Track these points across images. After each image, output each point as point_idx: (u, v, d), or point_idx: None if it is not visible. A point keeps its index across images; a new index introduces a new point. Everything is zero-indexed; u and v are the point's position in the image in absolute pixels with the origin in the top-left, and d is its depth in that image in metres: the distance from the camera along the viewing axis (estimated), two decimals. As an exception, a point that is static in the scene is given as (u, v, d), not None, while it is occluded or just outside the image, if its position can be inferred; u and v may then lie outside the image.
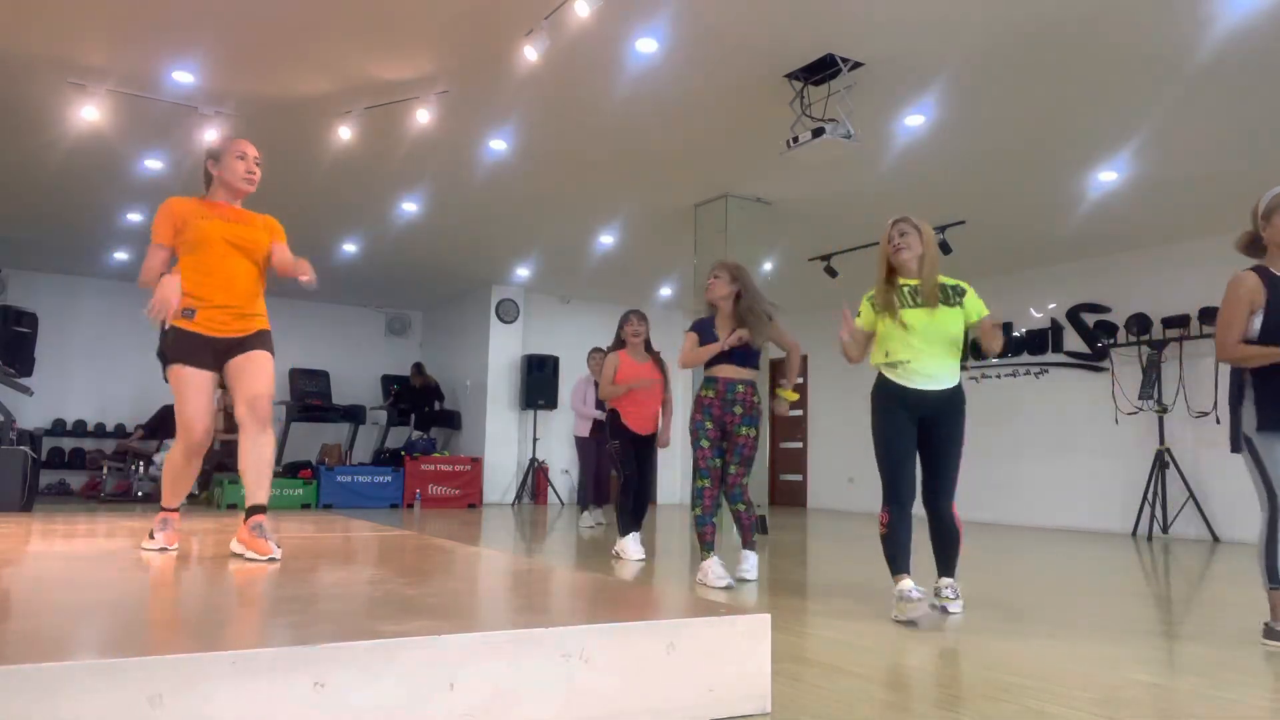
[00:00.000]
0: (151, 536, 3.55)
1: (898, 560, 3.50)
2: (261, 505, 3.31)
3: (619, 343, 5.78)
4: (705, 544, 4.35)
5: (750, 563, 4.50)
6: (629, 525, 5.50)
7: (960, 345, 3.62)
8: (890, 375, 3.62)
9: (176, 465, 3.51)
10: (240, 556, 3.26)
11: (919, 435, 3.61)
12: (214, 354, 3.39)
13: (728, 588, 4.18)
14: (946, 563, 3.70)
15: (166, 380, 3.44)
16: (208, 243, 3.39)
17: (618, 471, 5.72)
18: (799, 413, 4.41)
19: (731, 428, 4.37)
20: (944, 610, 3.64)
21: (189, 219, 3.40)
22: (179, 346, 3.36)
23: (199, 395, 3.36)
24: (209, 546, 3.72)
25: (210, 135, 6.32)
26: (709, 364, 4.43)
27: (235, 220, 3.49)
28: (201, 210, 3.45)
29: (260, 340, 3.48)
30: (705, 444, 4.37)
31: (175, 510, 3.61)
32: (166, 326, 3.34)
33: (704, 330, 4.50)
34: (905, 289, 3.65)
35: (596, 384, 6.34)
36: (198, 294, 3.37)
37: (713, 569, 4.25)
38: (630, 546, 5.41)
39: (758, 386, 4.47)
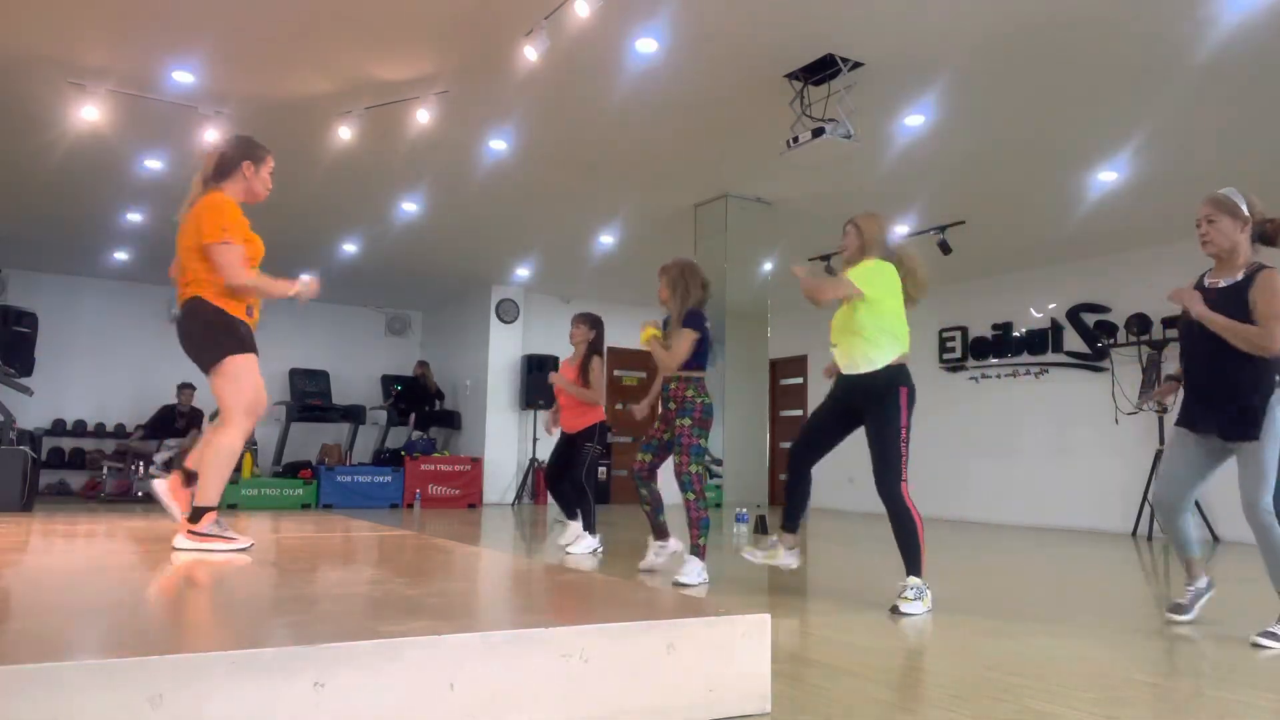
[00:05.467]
0: (224, 535, 3.35)
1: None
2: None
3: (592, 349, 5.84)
4: (649, 519, 4.67)
5: (688, 568, 4.31)
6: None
7: (866, 331, 3.80)
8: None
9: (237, 454, 3.42)
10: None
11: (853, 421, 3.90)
12: None
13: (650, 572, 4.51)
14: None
15: (207, 370, 3.41)
16: (257, 254, 3.51)
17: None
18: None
19: (670, 419, 4.47)
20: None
21: (249, 230, 3.49)
22: (249, 336, 3.46)
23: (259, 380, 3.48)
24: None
25: (211, 135, 6.32)
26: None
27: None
28: (247, 222, 3.52)
29: None
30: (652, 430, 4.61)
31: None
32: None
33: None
34: None
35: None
36: (257, 309, 3.56)
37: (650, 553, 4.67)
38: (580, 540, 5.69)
39: (693, 381, 4.43)
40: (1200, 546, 3.60)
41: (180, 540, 3.36)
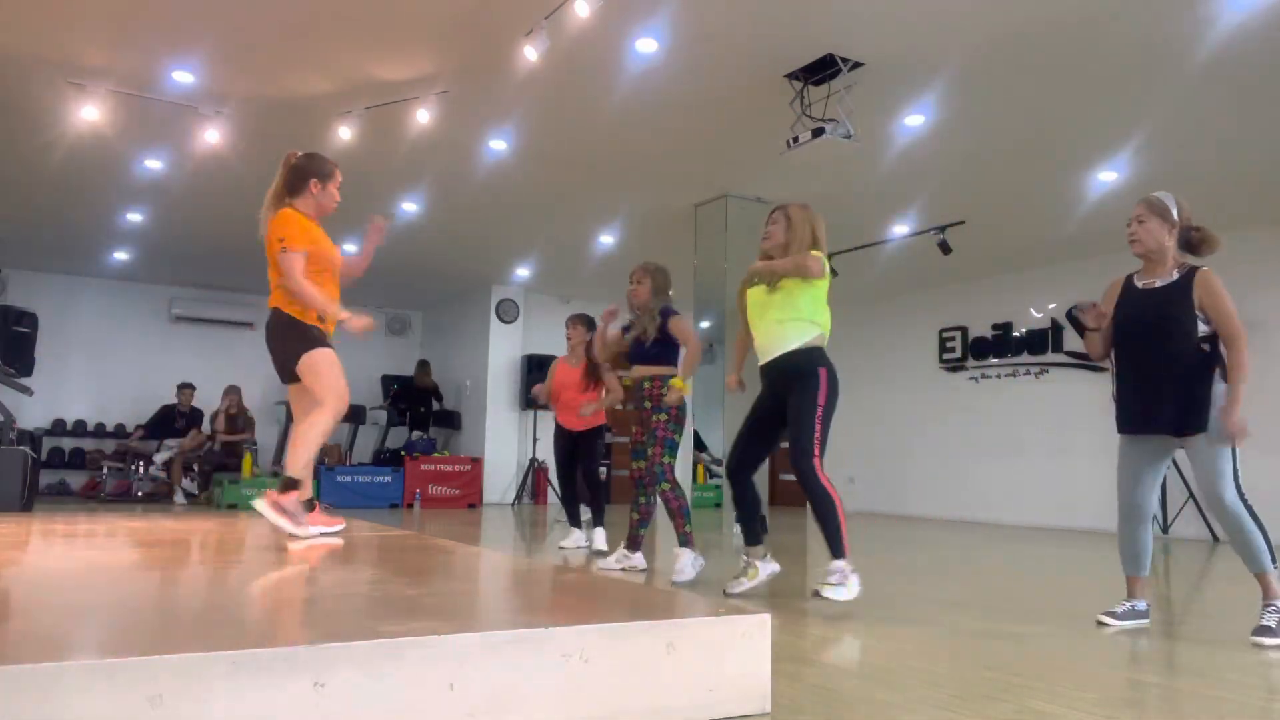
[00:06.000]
0: (297, 520, 3.50)
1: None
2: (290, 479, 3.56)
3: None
4: (630, 526, 4.75)
5: (681, 565, 4.32)
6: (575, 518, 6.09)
7: (804, 312, 3.71)
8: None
9: (328, 432, 3.62)
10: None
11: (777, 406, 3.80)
12: None
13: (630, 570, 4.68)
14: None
15: (289, 369, 3.64)
16: (332, 262, 3.77)
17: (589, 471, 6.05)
18: (683, 399, 4.48)
19: (646, 418, 4.59)
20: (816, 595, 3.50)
21: (317, 236, 3.71)
22: (323, 336, 3.69)
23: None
24: (209, 546, 3.71)
25: (211, 135, 6.33)
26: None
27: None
28: (318, 227, 3.75)
29: None
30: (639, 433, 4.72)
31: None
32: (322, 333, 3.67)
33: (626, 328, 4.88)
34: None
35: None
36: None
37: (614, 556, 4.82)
38: (574, 535, 5.97)
39: (667, 378, 4.59)
40: (1149, 566, 3.52)
41: (260, 503, 3.52)
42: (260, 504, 3.51)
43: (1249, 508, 3.17)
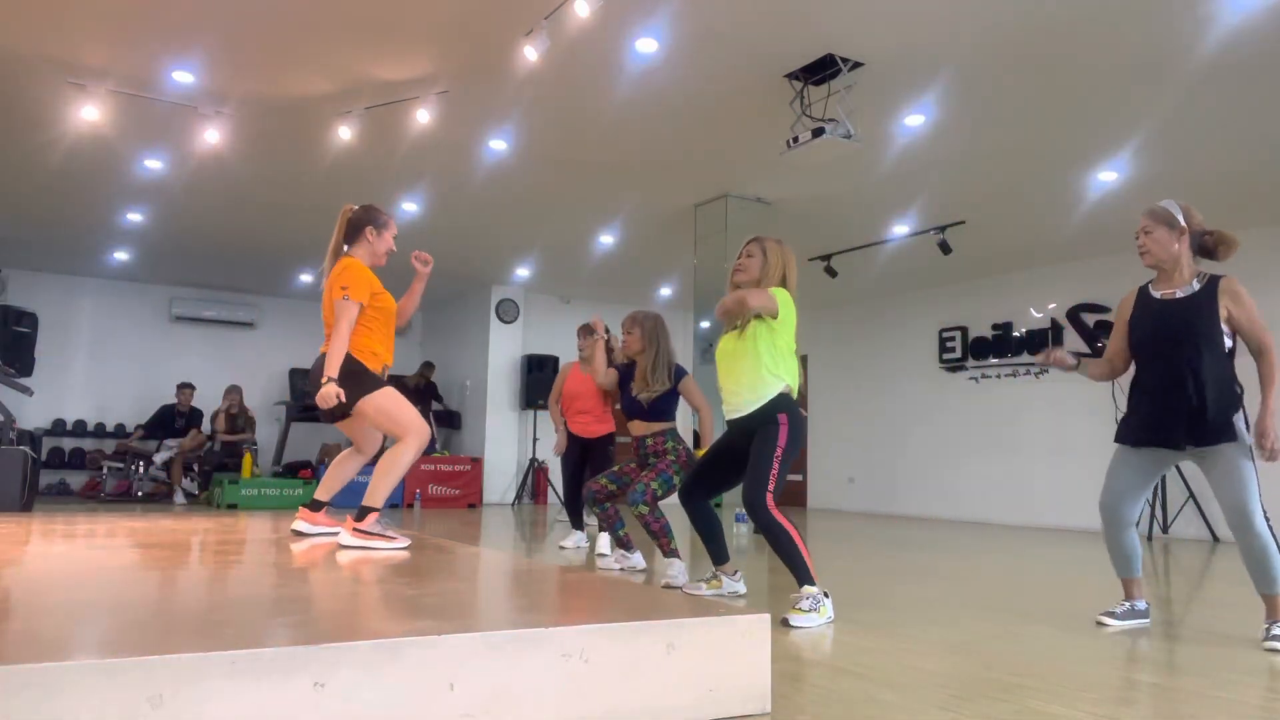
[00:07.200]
0: (385, 534, 3.61)
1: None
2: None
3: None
4: (608, 533, 4.83)
5: (673, 570, 4.32)
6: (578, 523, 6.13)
7: (762, 356, 3.53)
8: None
9: (410, 464, 3.68)
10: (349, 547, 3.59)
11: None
12: None
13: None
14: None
15: (343, 411, 3.62)
16: (389, 311, 3.84)
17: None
18: None
19: (644, 467, 4.60)
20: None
21: (378, 288, 3.79)
22: (377, 377, 3.72)
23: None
24: (209, 546, 3.71)
25: (211, 135, 6.33)
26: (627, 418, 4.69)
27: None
28: (376, 279, 3.81)
29: None
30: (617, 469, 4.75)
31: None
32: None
33: (621, 375, 4.81)
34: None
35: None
36: (388, 357, 3.81)
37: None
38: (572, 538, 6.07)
39: (669, 432, 4.56)
40: (1140, 566, 3.51)
41: (345, 537, 3.62)
42: (344, 538, 3.60)
43: (1271, 528, 3.11)
